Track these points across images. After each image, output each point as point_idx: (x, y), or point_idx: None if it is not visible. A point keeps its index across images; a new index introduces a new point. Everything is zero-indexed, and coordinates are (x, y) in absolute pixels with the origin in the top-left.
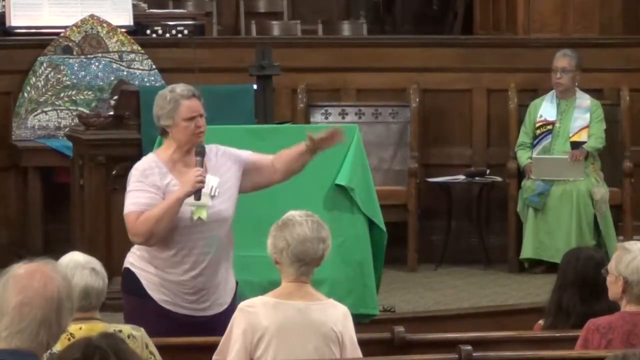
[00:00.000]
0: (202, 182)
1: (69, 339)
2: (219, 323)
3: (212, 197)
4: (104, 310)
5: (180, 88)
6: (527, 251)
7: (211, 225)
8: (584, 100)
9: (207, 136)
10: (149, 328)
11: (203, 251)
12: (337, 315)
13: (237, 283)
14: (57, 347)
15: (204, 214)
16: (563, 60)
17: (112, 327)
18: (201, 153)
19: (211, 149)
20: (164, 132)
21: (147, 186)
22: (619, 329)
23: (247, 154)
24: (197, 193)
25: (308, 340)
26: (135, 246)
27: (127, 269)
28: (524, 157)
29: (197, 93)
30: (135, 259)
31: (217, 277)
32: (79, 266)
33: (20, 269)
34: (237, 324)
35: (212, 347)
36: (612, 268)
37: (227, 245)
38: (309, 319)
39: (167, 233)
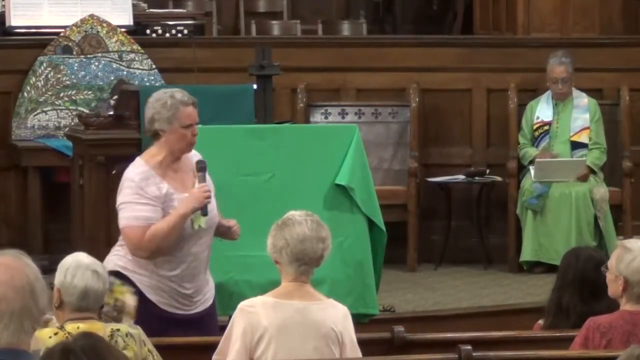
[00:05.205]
0: (209, 197)
1: (67, 339)
2: (205, 319)
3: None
4: None
5: (179, 94)
6: (527, 254)
7: (205, 232)
8: (581, 99)
9: (207, 136)
10: (144, 329)
11: (197, 257)
12: (336, 315)
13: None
14: (53, 341)
15: (203, 223)
16: (560, 68)
17: (109, 326)
18: (203, 168)
19: (196, 154)
20: (153, 137)
21: (146, 199)
22: (619, 328)
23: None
24: (204, 208)
25: (308, 340)
26: (125, 251)
27: (118, 273)
28: (531, 150)
29: (194, 101)
30: (126, 263)
31: (205, 276)
32: (81, 267)
33: None
34: (237, 324)
35: (212, 347)
36: (612, 267)
37: (210, 248)
38: (309, 319)
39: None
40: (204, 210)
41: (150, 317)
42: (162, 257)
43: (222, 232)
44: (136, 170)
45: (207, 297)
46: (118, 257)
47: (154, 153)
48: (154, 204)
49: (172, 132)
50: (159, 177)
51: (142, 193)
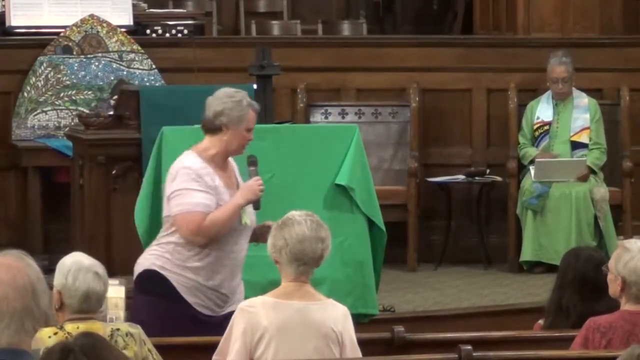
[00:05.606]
0: (263, 191)
1: (67, 339)
2: None
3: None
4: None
5: (249, 98)
6: (527, 254)
7: (246, 232)
8: (582, 99)
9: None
10: (175, 329)
11: (237, 256)
12: (336, 315)
13: None
14: (53, 341)
15: (248, 220)
16: (560, 68)
17: (109, 326)
18: (254, 162)
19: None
20: (212, 130)
21: (205, 187)
22: (619, 329)
23: None
24: (257, 202)
25: (308, 340)
26: (165, 249)
27: (155, 272)
28: (531, 150)
29: (259, 108)
30: (165, 263)
31: (240, 278)
32: (82, 269)
33: None
34: (237, 324)
35: (212, 347)
36: (611, 266)
37: (247, 250)
38: (309, 319)
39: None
40: (256, 203)
41: (185, 318)
42: (209, 249)
43: (261, 234)
44: (192, 160)
45: (238, 297)
46: (156, 257)
47: (207, 147)
48: (211, 192)
49: (236, 131)
50: (212, 170)
51: (200, 181)
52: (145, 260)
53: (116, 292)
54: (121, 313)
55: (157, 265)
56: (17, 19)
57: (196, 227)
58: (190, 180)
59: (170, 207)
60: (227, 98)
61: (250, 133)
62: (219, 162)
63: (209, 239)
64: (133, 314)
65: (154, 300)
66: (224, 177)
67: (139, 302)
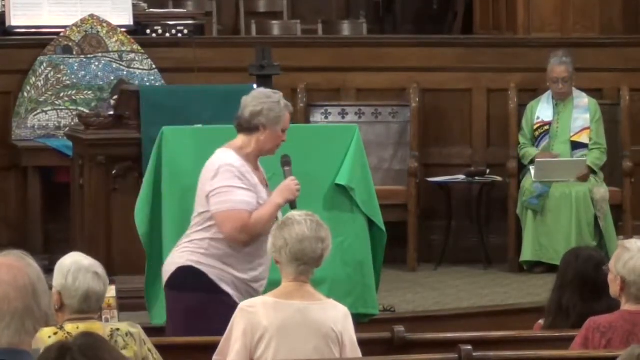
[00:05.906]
0: (300, 190)
1: (66, 339)
2: None
3: None
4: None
5: (284, 98)
6: (527, 254)
7: None
8: (582, 99)
9: (207, 136)
10: (214, 323)
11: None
12: (337, 315)
13: None
14: (52, 341)
15: (279, 217)
16: (561, 68)
17: (109, 326)
18: (288, 162)
19: None
20: (248, 130)
21: (248, 185)
22: (619, 329)
23: None
24: (293, 201)
25: (308, 340)
26: (198, 245)
27: (191, 267)
28: (532, 150)
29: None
30: (200, 257)
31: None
32: (82, 269)
33: None
34: (237, 324)
35: (213, 347)
36: (611, 266)
37: None
38: (309, 319)
39: None
40: (293, 203)
41: (225, 307)
42: (250, 248)
43: None
44: (233, 157)
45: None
46: (190, 252)
47: (241, 145)
48: (252, 190)
49: (273, 131)
50: (249, 168)
51: (243, 179)
52: (178, 259)
53: (108, 291)
54: (115, 312)
55: (193, 260)
56: (17, 19)
57: (241, 225)
58: (234, 178)
59: (211, 205)
60: (265, 98)
61: (284, 134)
62: (253, 161)
63: (252, 237)
64: (170, 314)
65: (191, 295)
66: (258, 176)
67: (176, 301)
